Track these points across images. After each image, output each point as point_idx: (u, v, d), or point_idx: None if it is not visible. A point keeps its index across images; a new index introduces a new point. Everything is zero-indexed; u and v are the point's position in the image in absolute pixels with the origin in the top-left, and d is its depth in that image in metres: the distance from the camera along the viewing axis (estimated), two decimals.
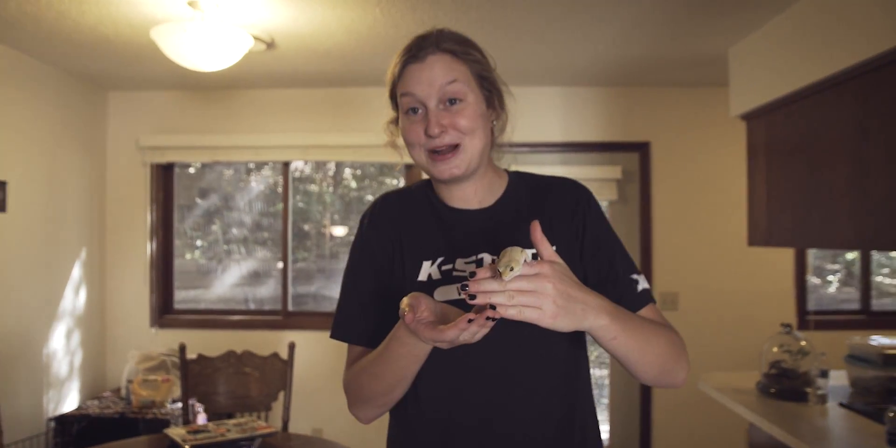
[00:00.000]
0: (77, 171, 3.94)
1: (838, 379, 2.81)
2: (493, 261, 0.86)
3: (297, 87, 4.14)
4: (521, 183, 1.25)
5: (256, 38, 2.94)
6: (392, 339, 1.00)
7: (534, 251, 0.94)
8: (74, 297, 3.89)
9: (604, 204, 4.17)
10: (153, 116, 4.26)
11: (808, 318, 4.00)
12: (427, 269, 1.15)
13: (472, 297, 0.81)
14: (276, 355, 3.09)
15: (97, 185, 4.17)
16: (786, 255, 4.11)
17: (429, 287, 1.12)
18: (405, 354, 0.99)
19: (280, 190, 4.38)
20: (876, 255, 4.31)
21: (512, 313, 0.81)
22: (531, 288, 0.82)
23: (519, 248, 0.83)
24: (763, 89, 2.95)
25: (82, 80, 3.95)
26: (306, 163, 4.44)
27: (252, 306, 4.42)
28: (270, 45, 3.11)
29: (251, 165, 4.47)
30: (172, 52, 2.53)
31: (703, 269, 4.12)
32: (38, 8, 2.64)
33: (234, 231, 4.47)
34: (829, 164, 2.48)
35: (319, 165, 4.49)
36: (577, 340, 1.15)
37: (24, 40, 3.12)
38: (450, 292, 1.10)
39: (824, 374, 2.56)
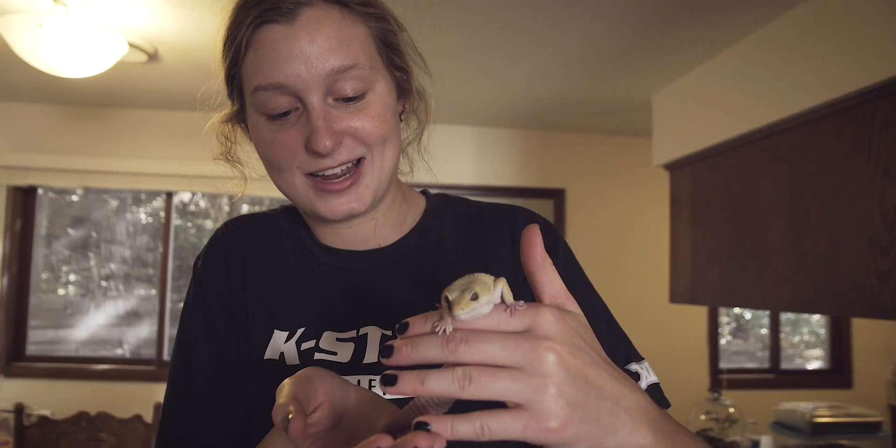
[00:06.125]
0: None
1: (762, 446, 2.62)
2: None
3: (185, 109, 3.68)
4: (446, 211, 0.83)
5: (135, 47, 2.54)
6: None
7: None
8: None
9: None
10: (14, 132, 3.71)
11: (721, 376, 3.85)
12: (279, 345, 0.74)
13: (390, 380, 0.41)
14: (138, 418, 2.61)
15: None
16: (698, 312, 3.98)
17: (279, 373, 0.71)
18: None
19: None
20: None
21: (464, 431, 0.40)
22: (513, 360, 0.41)
23: (489, 277, 0.44)
24: (689, 138, 2.80)
25: None
26: (193, 195, 3.98)
27: (126, 348, 3.92)
28: (153, 56, 2.72)
29: (143, 196, 4.01)
30: (23, 50, 2.09)
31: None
32: None
33: (113, 266, 4.00)
34: (762, 220, 2.31)
35: (213, 199, 4.04)
36: None
37: None
38: None
39: (756, 446, 2.36)
